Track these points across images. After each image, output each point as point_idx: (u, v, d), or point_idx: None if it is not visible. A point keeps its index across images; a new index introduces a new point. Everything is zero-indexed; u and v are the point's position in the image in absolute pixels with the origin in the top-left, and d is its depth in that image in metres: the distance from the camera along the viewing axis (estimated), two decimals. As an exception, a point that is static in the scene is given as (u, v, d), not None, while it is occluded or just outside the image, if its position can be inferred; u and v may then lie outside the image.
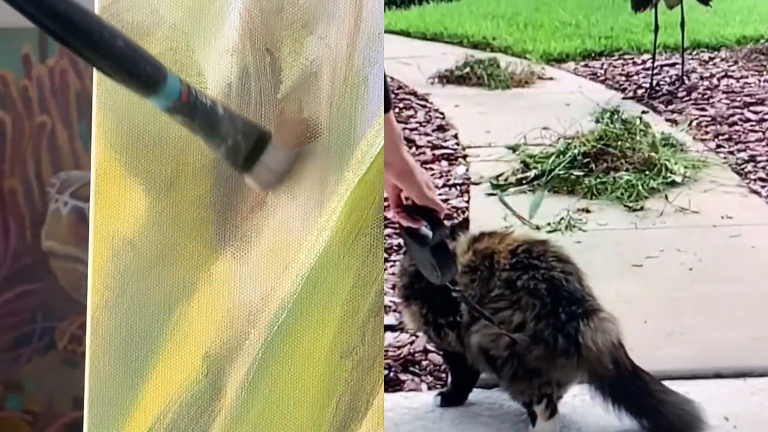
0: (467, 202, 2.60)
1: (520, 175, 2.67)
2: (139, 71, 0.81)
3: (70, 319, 2.50)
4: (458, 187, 2.63)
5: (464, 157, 2.78)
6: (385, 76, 1.01)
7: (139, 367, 0.92)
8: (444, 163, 2.71)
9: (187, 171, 0.93)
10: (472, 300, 1.59)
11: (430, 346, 1.96)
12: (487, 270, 1.64)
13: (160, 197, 0.92)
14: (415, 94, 2.99)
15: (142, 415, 0.92)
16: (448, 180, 2.65)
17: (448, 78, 3.03)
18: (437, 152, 2.75)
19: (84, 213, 2.41)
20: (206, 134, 0.87)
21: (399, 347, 2.02)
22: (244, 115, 0.90)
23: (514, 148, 2.78)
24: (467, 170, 2.73)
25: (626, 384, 1.63)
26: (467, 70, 3.03)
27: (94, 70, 0.93)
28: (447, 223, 1.47)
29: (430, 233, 1.34)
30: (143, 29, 0.93)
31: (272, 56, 0.93)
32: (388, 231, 2.28)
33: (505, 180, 2.66)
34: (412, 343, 2.02)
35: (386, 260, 2.26)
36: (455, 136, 2.86)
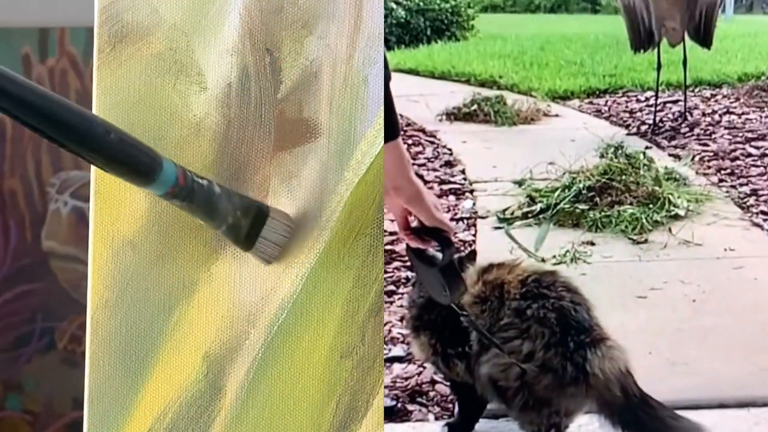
0: (474, 235, 2.65)
1: (525, 209, 2.71)
2: (135, 163, 0.81)
3: (70, 319, 2.50)
4: (465, 221, 2.69)
5: (471, 191, 2.83)
6: (392, 102, 1.02)
7: (139, 367, 0.92)
8: (452, 197, 2.76)
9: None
10: (482, 328, 1.61)
11: (437, 377, 1.99)
12: (497, 300, 1.66)
13: (160, 197, 0.92)
14: (423, 130, 3.05)
15: (142, 414, 0.92)
16: (456, 214, 2.70)
17: (455, 115, 3.09)
18: (445, 187, 2.81)
19: (84, 213, 2.41)
20: (206, 215, 0.87)
21: (407, 378, 2.05)
22: (240, 192, 0.89)
23: (520, 183, 2.82)
24: (474, 204, 2.77)
25: (635, 411, 1.64)
26: (474, 107, 3.09)
27: (94, 70, 0.93)
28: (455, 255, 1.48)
29: (439, 254, 1.35)
30: (143, 29, 0.93)
31: (272, 56, 0.94)
32: (396, 264, 2.34)
33: (512, 214, 2.71)
34: (419, 374, 2.06)
35: (394, 293, 2.30)
36: (463, 172, 2.92)
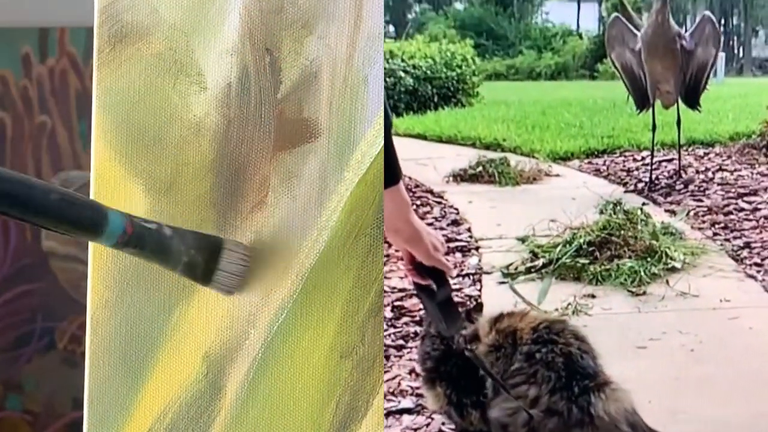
0: (479, 290, 2.71)
1: (529, 264, 2.79)
2: (80, 219, 0.81)
3: (70, 319, 2.50)
4: (471, 277, 2.76)
5: (477, 248, 2.92)
6: (393, 147, 1.03)
7: (139, 367, 0.92)
8: (458, 254, 2.85)
9: (187, 171, 0.93)
10: (489, 367, 1.65)
11: (444, 428, 2.02)
12: (510, 346, 1.71)
13: (160, 197, 0.92)
14: (431, 191, 3.16)
15: (142, 414, 0.92)
16: (462, 270, 2.77)
17: (462, 176, 3.21)
18: (452, 245, 2.89)
19: (84, 213, 2.41)
20: (159, 259, 0.86)
21: (416, 429, 2.09)
22: (191, 229, 0.89)
23: (523, 239, 2.91)
24: (480, 261, 2.85)
25: None
26: (480, 169, 3.21)
27: (94, 70, 0.93)
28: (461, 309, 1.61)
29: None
30: (143, 29, 0.93)
31: (272, 56, 0.94)
32: (405, 319, 2.41)
33: (515, 269, 2.78)
34: (428, 425, 2.09)
35: (403, 347, 2.36)
36: (468, 230, 3.01)
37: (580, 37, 3.63)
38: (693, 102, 3.13)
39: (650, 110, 3.14)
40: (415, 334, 2.37)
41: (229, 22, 0.94)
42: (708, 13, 3.11)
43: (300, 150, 0.93)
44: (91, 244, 0.92)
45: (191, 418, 0.92)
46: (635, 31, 3.11)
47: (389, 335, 2.27)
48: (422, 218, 2.94)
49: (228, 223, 0.92)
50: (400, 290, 1.68)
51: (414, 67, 3.41)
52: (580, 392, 1.63)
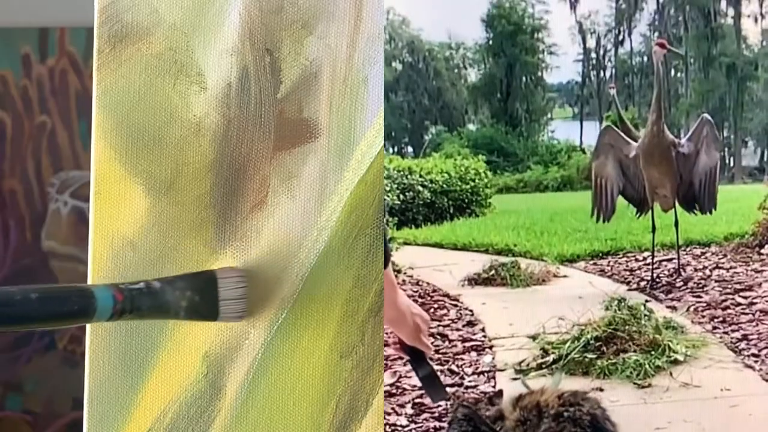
0: (494, 387, 2.86)
1: (540, 361, 2.97)
2: (70, 308, 0.79)
3: (70, 320, 2.50)
4: (486, 374, 2.95)
5: (491, 347, 3.11)
6: (385, 237, 1.05)
7: (138, 367, 0.92)
8: (473, 353, 3.04)
9: (187, 171, 0.93)
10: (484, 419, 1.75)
11: None
12: (535, 418, 1.84)
13: (160, 197, 0.92)
14: (447, 295, 3.38)
15: (141, 414, 0.92)
16: (477, 368, 2.96)
17: (476, 280, 3.43)
18: (467, 344, 3.09)
19: (84, 213, 2.41)
20: (160, 314, 0.85)
21: None
22: (178, 274, 0.88)
23: (534, 337, 3.10)
24: (494, 358, 3.05)
25: None
26: (492, 272, 3.45)
27: (94, 70, 0.93)
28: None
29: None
30: (143, 29, 0.93)
31: (272, 56, 0.93)
32: (425, 415, 2.60)
33: (527, 365, 2.96)
34: None
35: None
36: (483, 330, 3.21)
37: (583, 151, 3.90)
38: (706, 206, 3.37)
39: (649, 213, 3.40)
40: (435, 429, 2.56)
41: (229, 23, 0.94)
42: (706, 115, 3.35)
43: (300, 150, 0.93)
44: (90, 244, 0.92)
45: (191, 418, 0.92)
46: (628, 139, 3.38)
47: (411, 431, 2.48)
48: (439, 320, 3.23)
49: (228, 223, 0.92)
50: (420, 388, 1.83)
51: (431, 181, 3.69)
52: None
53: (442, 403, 2.46)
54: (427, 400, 2.55)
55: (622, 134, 3.44)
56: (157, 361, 0.92)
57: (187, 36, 0.94)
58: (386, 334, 1.27)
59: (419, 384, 1.77)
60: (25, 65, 2.46)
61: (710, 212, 3.40)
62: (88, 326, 0.92)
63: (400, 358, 2.04)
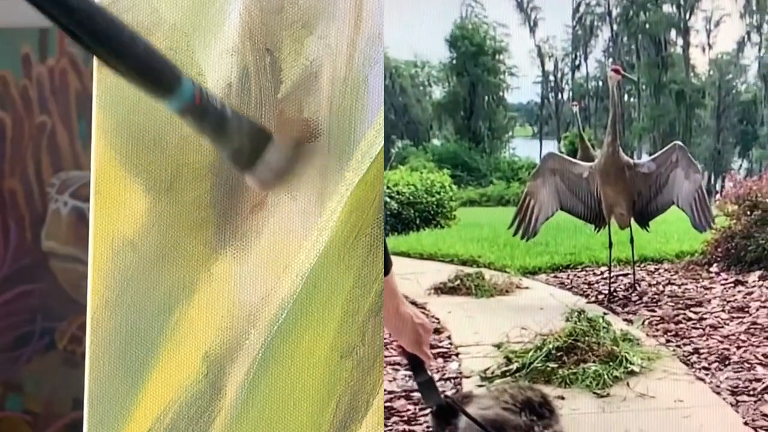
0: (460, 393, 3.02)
1: (504, 368, 3.12)
2: (156, 75, 0.81)
3: (70, 320, 2.50)
4: (452, 381, 3.09)
5: (457, 354, 3.27)
6: (386, 245, 1.06)
7: (139, 367, 0.92)
8: (440, 360, 3.19)
9: (186, 171, 0.93)
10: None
11: None
12: None
13: (159, 197, 0.92)
14: (415, 303, 3.50)
15: (142, 414, 0.91)
16: (444, 374, 3.11)
17: (442, 289, 3.59)
18: (434, 351, 3.19)
19: (84, 213, 2.41)
20: (214, 136, 0.86)
21: None
22: (249, 116, 0.89)
23: (498, 346, 3.26)
24: (459, 365, 3.20)
25: None
26: (458, 282, 3.62)
27: (94, 70, 0.93)
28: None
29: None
30: (143, 29, 0.93)
31: (272, 56, 0.93)
32: None
33: (492, 373, 3.12)
34: None
35: None
36: (449, 337, 3.36)
37: (543, 169, 4.09)
38: (703, 222, 3.55)
39: (606, 230, 3.61)
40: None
41: (229, 23, 0.94)
42: (679, 142, 3.53)
43: (300, 149, 0.93)
44: (90, 245, 0.92)
45: (191, 418, 0.92)
46: (576, 161, 3.60)
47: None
48: (407, 328, 3.39)
49: (228, 222, 0.92)
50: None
51: (398, 193, 3.89)
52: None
53: (412, 407, 2.60)
54: (398, 404, 2.65)
55: (568, 158, 3.63)
56: (158, 362, 0.92)
57: (187, 36, 0.94)
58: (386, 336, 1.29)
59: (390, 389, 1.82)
60: (25, 65, 2.46)
61: (706, 230, 3.55)
62: (88, 327, 0.92)
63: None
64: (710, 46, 4.04)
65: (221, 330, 0.92)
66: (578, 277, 3.74)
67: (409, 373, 2.57)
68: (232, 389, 0.92)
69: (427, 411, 1.84)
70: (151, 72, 0.80)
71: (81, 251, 2.40)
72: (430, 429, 1.95)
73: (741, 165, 4.09)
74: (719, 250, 3.60)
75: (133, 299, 0.92)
